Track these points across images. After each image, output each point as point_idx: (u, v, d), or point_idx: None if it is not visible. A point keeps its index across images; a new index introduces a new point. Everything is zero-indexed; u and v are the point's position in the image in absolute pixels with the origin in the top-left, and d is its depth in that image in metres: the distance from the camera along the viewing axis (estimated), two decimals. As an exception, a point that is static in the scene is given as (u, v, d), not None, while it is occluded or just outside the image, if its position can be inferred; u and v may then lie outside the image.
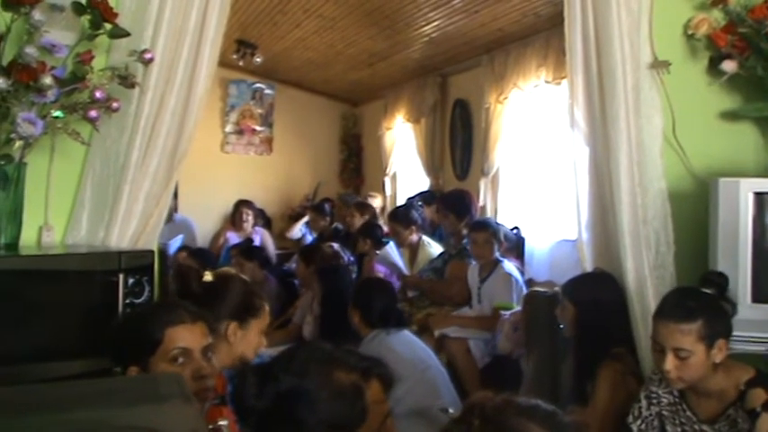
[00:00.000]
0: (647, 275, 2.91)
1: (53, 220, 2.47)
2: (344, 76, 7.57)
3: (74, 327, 2.04)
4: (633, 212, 2.91)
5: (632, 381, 2.80)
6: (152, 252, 2.30)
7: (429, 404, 3.32)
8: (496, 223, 4.74)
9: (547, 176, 5.23)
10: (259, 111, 8.43)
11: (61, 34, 2.20)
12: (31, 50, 2.00)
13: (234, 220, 7.49)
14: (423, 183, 6.85)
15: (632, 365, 2.85)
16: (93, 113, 2.15)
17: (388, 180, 7.64)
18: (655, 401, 2.53)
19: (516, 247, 5.14)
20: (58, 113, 2.14)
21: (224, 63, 7.65)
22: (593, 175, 3.10)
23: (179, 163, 2.52)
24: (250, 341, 2.27)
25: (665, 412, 2.52)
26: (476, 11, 5.16)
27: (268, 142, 8.50)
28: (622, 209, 2.89)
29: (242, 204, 7.47)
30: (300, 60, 7.33)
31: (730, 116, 3.14)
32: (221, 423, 1.39)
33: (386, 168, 7.61)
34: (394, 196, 7.55)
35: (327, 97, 8.60)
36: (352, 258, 5.72)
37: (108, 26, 2.23)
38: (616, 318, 2.88)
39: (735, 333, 2.66)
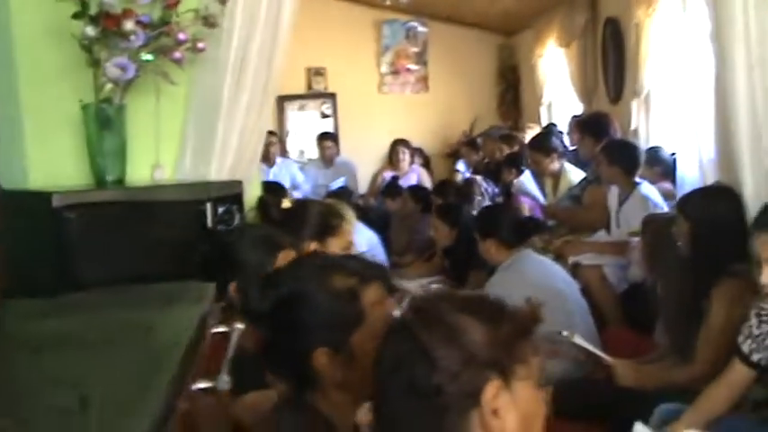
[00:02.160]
0: (773, 189, 2.68)
1: (164, 159, 2.70)
2: (493, 5, 7.42)
3: (169, 251, 2.23)
4: (752, 117, 2.67)
5: (752, 298, 2.62)
6: (239, 182, 2.46)
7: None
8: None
9: (701, 96, 4.87)
10: (413, 49, 8.49)
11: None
12: (109, -1, 2.18)
13: (391, 159, 7.66)
14: (577, 109, 6.62)
15: (752, 283, 2.67)
16: (177, 55, 2.31)
17: (543, 110, 7.46)
18: (765, 319, 2.38)
19: (669, 170, 4.87)
20: (148, 57, 2.31)
21: (375, 4, 7.77)
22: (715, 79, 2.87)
23: (270, 98, 2.63)
24: None
25: (775, 330, 2.35)
26: None
27: (424, 80, 8.56)
28: (737, 112, 2.65)
29: (398, 143, 7.60)
30: (447, -8, 7.27)
31: None
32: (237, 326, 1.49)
33: (540, 98, 7.43)
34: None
35: (481, 30, 8.48)
36: (496, 190, 5.71)
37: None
38: (733, 233, 2.69)
39: None
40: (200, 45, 2.39)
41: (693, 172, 4.69)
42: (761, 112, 2.68)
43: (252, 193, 2.80)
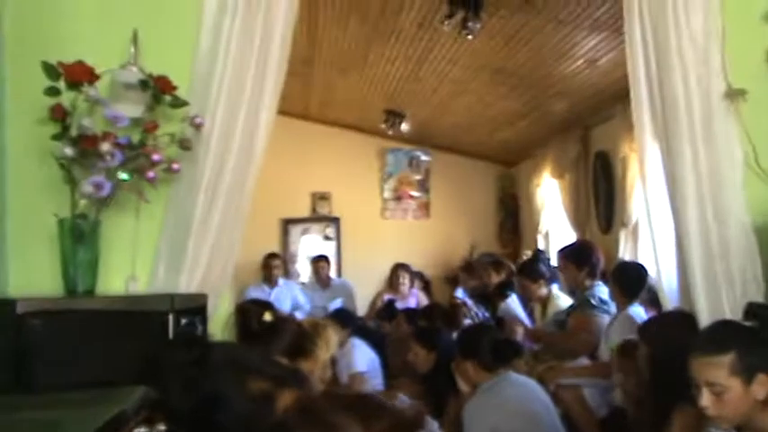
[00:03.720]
0: (727, 315, 2.74)
1: (139, 271, 2.81)
2: (491, 137, 7.71)
3: (131, 359, 2.30)
4: (706, 248, 2.77)
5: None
6: (204, 296, 2.56)
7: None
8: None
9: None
10: (416, 177, 8.75)
11: (131, 107, 2.57)
12: (87, 122, 2.37)
13: (392, 282, 7.74)
14: (571, 237, 6.74)
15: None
16: (150, 174, 2.47)
17: (541, 237, 7.59)
18: (717, 444, 2.38)
19: (654, 300, 4.92)
20: (123, 176, 2.47)
21: (379, 133, 8.10)
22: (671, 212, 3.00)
23: (241, 218, 2.76)
24: None
25: (727, 455, 2.35)
26: (595, 59, 5.14)
27: (425, 207, 8.77)
28: (691, 244, 2.77)
29: (399, 268, 7.70)
30: (446, 125, 7.58)
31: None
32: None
33: (537, 225, 7.58)
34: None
35: (481, 159, 8.76)
36: (486, 315, 5.75)
37: (168, 98, 2.56)
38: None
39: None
40: (174, 166, 2.55)
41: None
42: (714, 244, 2.79)
43: (222, 309, 2.89)
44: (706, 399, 2.15)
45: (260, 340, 2.55)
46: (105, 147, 2.34)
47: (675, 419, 2.71)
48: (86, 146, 2.37)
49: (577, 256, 4.78)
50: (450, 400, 4.21)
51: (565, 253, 4.90)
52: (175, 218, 2.72)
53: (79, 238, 2.48)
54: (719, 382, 2.12)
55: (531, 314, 5.36)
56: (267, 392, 1.44)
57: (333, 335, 4.01)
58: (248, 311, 2.76)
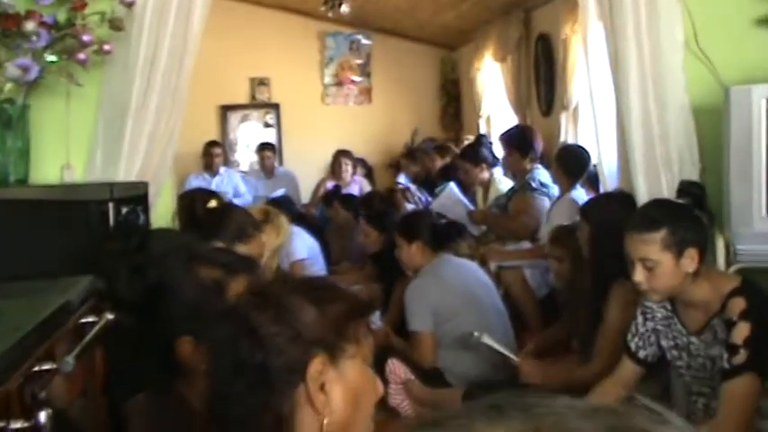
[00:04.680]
0: (665, 195, 2.81)
1: (74, 160, 2.72)
2: (433, 20, 7.55)
3: (70, 249, 2.25)
4: (646, 129, 2.81)
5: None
6: (145, 184, 2.50)
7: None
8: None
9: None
10: (357, 61, 8.58)
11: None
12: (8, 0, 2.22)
13: (333, 170, 7.72)
14: (513, 121, 6.76)
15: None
16: (81, 56, 2.35)
17: (482, 122, 7.59)
18: (650, 317, 2.49)
19: (594, 181, 5.01)
20: (51, 58, 2.35)
21: (319, 16, 7.85)
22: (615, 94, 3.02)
23: (181, 103, 2.67)
24: None
25: (659, 327, 2.47)
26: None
27: (367, 92, 8.65)
28: (632, 126, 2.80)
29: (340, 154, 7.65)
30: (388, 7, 7.38)
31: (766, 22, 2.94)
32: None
33: (479, 110, 7.57)
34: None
35: (423, 43, 8.60)
36: (429, 199, 5.80)
37: (96, -25, 2.42)
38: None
39: (747, 247, 2.58)
40: (106, 47, 2.44)
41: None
42: (654, 125, 2.82)
43: (164, 198, 2.84)
44: (639, 274, 2.23)
45: (205, 227, 2.52)
46: (30, 26, 2.21)
47: (613, 294, 2.82)
48: (9, 26, 2.23)
49: (520, 142, 4.81)
50: (397, 282, 4.31)
51: (507, 139, 4.93)
52: (111, 103, 2.62)
53: (7, 123, 2.37)
54: (652, 258, 2.19)
55: (473, 198, 5.42)
56: (217, 281, 1.43)
57: (285, 222, 4.02)
58: (194, 199, 2.72)
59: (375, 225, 4.62)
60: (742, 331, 2.12)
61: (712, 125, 2.84)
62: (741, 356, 2.11)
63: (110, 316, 1.54)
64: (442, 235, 3.80)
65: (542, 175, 4.72)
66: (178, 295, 1.42)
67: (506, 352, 3.17)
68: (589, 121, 5.54)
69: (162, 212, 2.80)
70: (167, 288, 1.42)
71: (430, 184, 6.17)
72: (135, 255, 1.54)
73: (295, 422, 1.11)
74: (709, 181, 2.85)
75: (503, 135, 5.08)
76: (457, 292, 3.57)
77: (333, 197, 6.21)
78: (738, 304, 2.17)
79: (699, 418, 2.37)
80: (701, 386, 2.41)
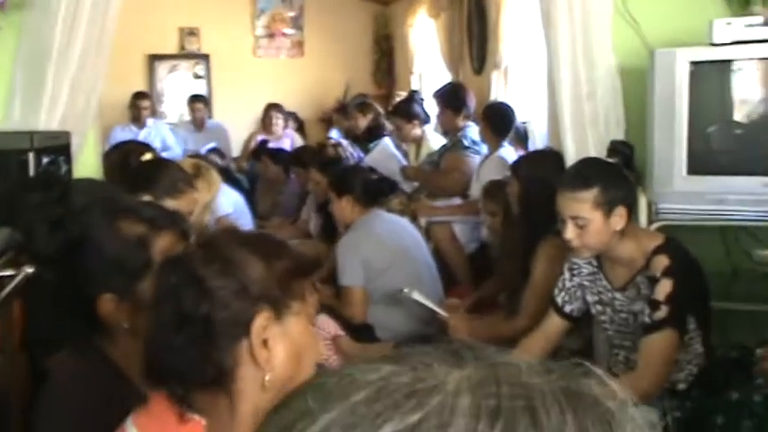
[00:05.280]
0: (592, 153, 2.86)
1: (-9, 107, 2.61)
2: (367, -28, 7.44)
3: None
4: (575, 88, 2.85)
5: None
6: (67, 133, 2.41)
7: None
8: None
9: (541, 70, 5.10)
10: (290, 14, 8.43)
11: None
12: None
13: (264, 123, 7.61)
14: (445, 79, 6.76)
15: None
16: (-3, -2, 2.24)
17: (415, 78, 7.58)
18: (576, 272, 2.56)
19: (522, 139, 5.08)
20: (-34, 0, 2.23)
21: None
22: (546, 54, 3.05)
23: (106, 49, 2.57)
24: None
25: (585, 282, 2.54)
26: None
27: (299, 45, 8.52)
28: (561, 84, 2.84)
29: (271, 108, 7.54)
30: (321, -42, 7.24)
31: (693, -14, 3.00)
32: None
33: (412, 66, 7.54)
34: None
35: (357, -3, 8.50)
36: (362, 155, 5.78)
37: None
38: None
39: (668, 205, 2.66)
40: (24, -10, 2.32)
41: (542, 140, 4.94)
42: (583, 85, 2.87)
43: (87, 148, 2.75)
44: (570, 231, 2.27)
45: (137, 180, 2.45)
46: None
47: (540, 250, 2.88)
48: None
49: (454, 99, 4.82)
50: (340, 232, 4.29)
51: (441, 96, 4.93)
52: (31, 48, 2.52)
53: None
54: (583, 216, 2.24)
55: (405, 155, 5.43)
56: (141, 236, 1.39)
57: (216, 177, 3.95)
58: (129, 150, 2.64)
59: (326, 173, 4.55)
60: (664, 288, 2.20)
61: (638, 86, 2.90)
62: (662, 312, 2.18)
63: (29, 269, 1.48)
64: (374, 190, 3.79)
65: (474, 132, 4.76)
66: (99, 251, 1.37)
67: (435, 307, 3.21)
68: (519, 81, 5.63)
69: (86, 163, 2.72)
70: (88, 243, 1.37)
71: (361, 139, 6.14)
72: (55, 207, 1.48)
73: (236, 377, 1.10)
74: (632, 140, 2.91)
75: (436, 92, 5.08)
76: (388, 248, 3.58)
77: (261, 151, 6.13)
78: (662, 261, 2.24)
79: (619, 370, 2.46)
80: (623, 340, 2.49)
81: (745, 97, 2.82)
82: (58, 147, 2.33)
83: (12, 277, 1.48)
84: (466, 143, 4.71)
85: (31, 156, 2.22)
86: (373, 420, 0.44)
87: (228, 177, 5.52)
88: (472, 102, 4.91)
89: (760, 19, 2.62)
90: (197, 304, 1.09)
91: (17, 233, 1.72)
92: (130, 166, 2.67)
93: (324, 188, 4.53)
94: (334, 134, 7.36)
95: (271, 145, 6.75)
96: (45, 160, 2.25)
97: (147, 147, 2.83)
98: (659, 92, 2.64)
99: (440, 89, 5.14)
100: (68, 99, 2.54)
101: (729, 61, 2.68)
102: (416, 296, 3.23)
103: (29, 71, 2.52)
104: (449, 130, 4.99)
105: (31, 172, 2.21)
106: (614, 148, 2.50)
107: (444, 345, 0.51)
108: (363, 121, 6.13)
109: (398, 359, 0.49)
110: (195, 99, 7.61)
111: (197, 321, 1.09)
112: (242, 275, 1.12)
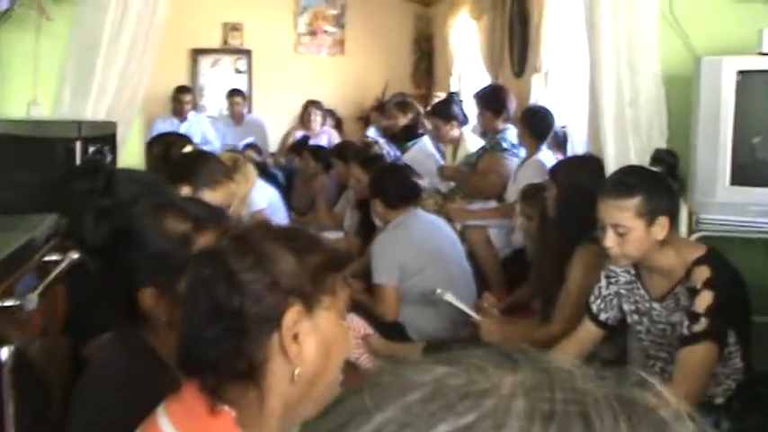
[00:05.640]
0: (633, 160, 2.84)
1: (42, 96, 2.66)
2: (411, -27, 7.44)
3: (36, 186, 2.21)
4: (618, 94, 2.83)
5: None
6: (114, 123, 2.46)
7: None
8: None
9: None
10: (332, 11, 8.46)
11: None
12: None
13: (303, 120, 7.66)
14: (485, 81, 6.74)
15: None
16: (50, -11, 2.28)
17: (454, 80, 7.56)
18: (613, 280, 2.53)
19: (561, 144, 5.05)
20: (22, -10, 2.28)
21: (294, -37, 7.71)
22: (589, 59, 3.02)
23: (154, 42, 2.61)
24: None
25: (622, 291, 2.51)
26: None
27: (340, 43, 8.54)
28: (603, 89, 2.82)
29: (310, 104, 7.60)
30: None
31: (742, -6, 2.96)
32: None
33: (451, 68, 7.53)
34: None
35: (400, -3, 8.50)
36: (398, 154, 5.79)
37: None
38: (595, 200, 2.84)
39: (710, 216, 2.62)
40: (77, -18, 2.37)
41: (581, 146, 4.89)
42: (625, 92, 2.84)
43: (132, 139, 2.79)
44: (611, 239, 2.25)
45: (178, 171, 2.48)
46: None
47: (577, 256, 2.86)
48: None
49: (494, 101, 4.81)
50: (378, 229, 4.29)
51: (481, 98, 4.92)
52: (82, 39, 2.56)
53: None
54: (625, 224, 2.22)
55: (442, 156, 5.42)
56: (185, 233, 1.40)
57: (252, 171, 3.99)
58: (170, 143, 2.69)
59: (367, 169, 4.56)
60: (705, 300, 2.17)
61: (682, 94, 2.86)
62: (702, 324, 2.15)
63: (74, 255, 1.51)
64: (405, 194, 3.76)
65: (513, 135, 4.74)
66: (144, 245, 1.39)
67: (468, 310, 3.21)
68: (560, 85, 5.58)
69: (129, 153, 2.76)
70: (133, 235, 1.39)
71: (398, 138, 6.14)
72: (101, 196, 1.50)
73: (266, 370, 1.11)
74: (675, 149, 2.88)
75: (477, 93, 5.08)
76: (424, 248, 3.59)
77: (302, 147, 6.16)
78: (703, 273, 2.21)
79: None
80: (659, 351, 2.46)
81: (791, 108, 2.78)
82: (105, 136, 2.37)
83: (57, 263, 1.51)
84: (504, 145, 4.69)
85: (77, 144, 2.25)
86: (428, 420, 0.45)
87: (264, 172, 5.57)
88: (512, 104, 4.90)
89: (811, 29, 2.57)
90: (229, 297, 1.10)
91: (63, 219, 1.76)
92: (171, 157, 2.71)
93: (364, 185, 4.54)
94: (372, 132, 7.38)
95: (310, 142, 6.79)
96: (91, 149, 2.29)
97: (187, 139, 2.86)
98: (704, 100, 2.61)
99: (480, 90, 5.13)
100: (116, 90, 2.58)
101: (778, 71, 2.63)
102: (449, 298, 3.23)
103: (79, 62, 2.57)
104: (488, 131, 4.97)
105: (78, 160, 2.25)
106: (658, 156, 2.48)
107: (498, 348, 0.51)
108: (403, 120, 6.13)
109: (452, 361, 0.50)
110: (234, 93, 7.68)
111: (229, 314, 1.10)
112: (274, 269, 1.12)
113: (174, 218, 1.43)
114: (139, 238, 1.40)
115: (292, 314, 1.11)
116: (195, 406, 1.10)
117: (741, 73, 2.57)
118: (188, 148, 2.67)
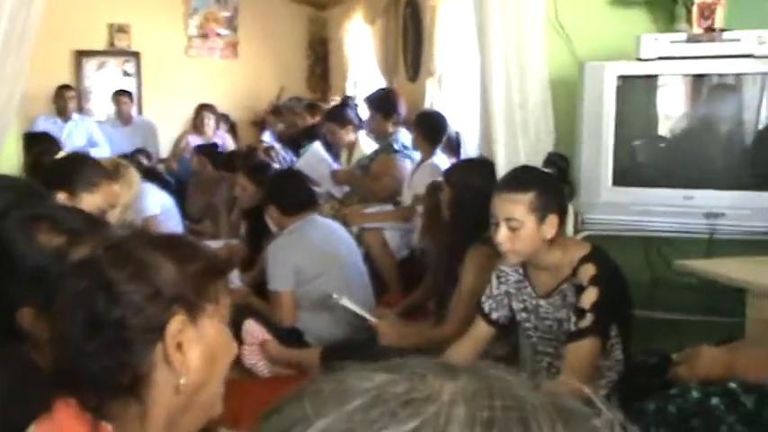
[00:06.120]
0: (522, 162, 2.90)
1: None
2: (304, -24, 7.42)
3: None
4: (507, 97, 2.89)
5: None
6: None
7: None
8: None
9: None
10: (224, 14, 8.34)
11: None
12: None
13: (195, 123, 7.49)
14: (380, 85, 6.78)
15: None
16: None
17: (350, 84, 7.58)
18: (503, 280, 2.58)
19: (454, 147, 5.13)
20: None
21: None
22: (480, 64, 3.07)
23: (28, 45, 2.49)
24: None
25: (511, 290, 2.57)
26: None
27: (233, 47, 8.43)
28: (493, 92, 2.87)
29: (203, 108, 7.43)
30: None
31: (622, 2, 3.08)
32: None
33: (347, 72, 7.55)
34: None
35: (293, 0, 8.45)
36: (294, 159, 5.75)
37: None
38: (487, 201, 2.89)
39: (594, 216, 2.72)
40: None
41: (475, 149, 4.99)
42: (515, 95, 2.91)
43: (8, 144, 2.65)
44: (503, 234, 2.29)
45: (53, 178, 2.38)
46: None
47: (469, 257, 2.90)
48: None
49: (384, 104, 4.85)
50: (266, 240, 4.23)
51: (372, 101, 4.95)
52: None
53: None
54: (517, 218, 2.27)
55: (337, 160, 5.42)
56: (60, 247, 1.33)
57: (135, 176, 3.85)
58: (41, 151, 2.56)
59: (253, 179, 4.48)
60: (590, 296, 2.24)
61: (568, 97, 2.96)
62: (587, 320, 2.23)
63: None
64: (301, 201, 3.72)
65: (405, 137, 4.80)
66: (16, 265, 1.32)
67: (365, 314, 3.21)
68: (454, 89, 5.68)
69: (5, 159, 2.62)
70: (5, 255, 1.32)
71: (294, 142, 6.11)
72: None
73: (150, 382, 1.07)
74: (563, 151, 2.97)
75: (367, 97, 5.11)
76: (319, 254, 3.57)
77: (202, 151, 6.01)
78: (589, 270, 2.28)
79: (543, 376, 2.50)
80: (547, 347, 2.53)
81: (669, 112, 2.92)
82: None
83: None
84: (396, 147, 4.75)
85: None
86: (370, 426, 0.45)
87: (156, 177, 5.42)
88: (403, 108, 4.95)
89: (684, 36, 2.70)
90: (109, 309, 1.06)
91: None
92: (44, 164, 2.59)
93: (250, 194, 4.47)
94: (268, 137, 7.30)
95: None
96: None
97: (58, 145, 2.74)
98: (588, 104, 2.71)
99: (371, 94, 5.17)
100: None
101: (655, 76, 2.76)
102: (346, 302, 3.23)
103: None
104: (379, 135, 5.00)
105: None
106: (550, 159, 2.56)
107: (426, 359, 0.52)
108: (311, 122, 6.10)
109: (393, 368, 0.50)
110: (120, 93, 7.47)
111: (110, 327, 1.06)
112: (155, 278, 1.09)
113: (47, 231, 1.36)
114: (11, 258, 1.32)
115: (176, 323, 1.09)
116: (71, 425, 1.05)
117: (621, 78, 2.68)
118: (60, 154, 2.56)
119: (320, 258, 3.55)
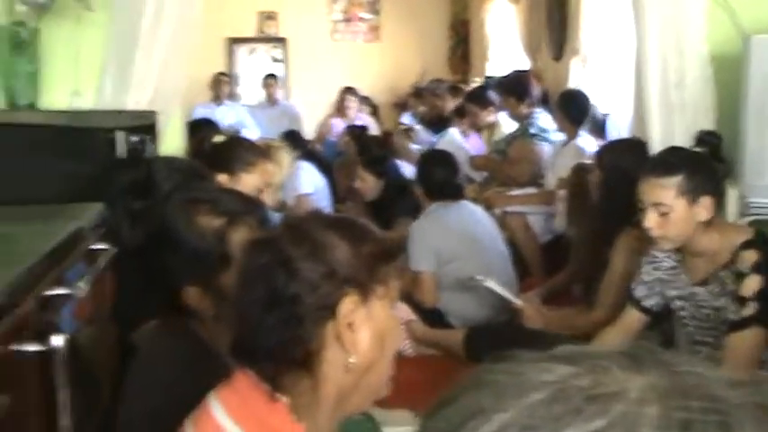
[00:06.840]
0: (678, 143, 2.78)
1: (84, 86, 2.69)
2: (446, -43, 7.37)
3: (77, 175, 2.24)
4: (663, 76, 2.77)
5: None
6: (154, 113, 2.47)
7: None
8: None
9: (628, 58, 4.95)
10: (366, -3, 8.45)
11: None
12: None
13: (338, 107, 7.67)
14: (523, 65, 6.66)
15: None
16: (91, -21, 2.30)
17: (491, 64, 7.49)
18: (656, 266, 2.48)
19: (600, 128, 4.97)
20: (63, -19, 2.30)
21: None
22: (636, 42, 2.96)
23: (192, 32, 2.62)
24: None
25: (664, 276, 2.46)
26: None
27: (375, 30, 8.53)
28: (648, 71, 2.76)
29: (346, 91, 7.62)
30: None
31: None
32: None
33: (487, 53, 7.46)
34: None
35: (434, -18, 8.45)
36: (434, 140, 5.75)
37: None
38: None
39: (760, 199, 2.56)
40: (117, -28, 2.38)
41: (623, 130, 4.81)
42: (671, 73, 2.78)
43: (172, 128, 2.81)
44: (652, 219, 2.20)
45: (212, 161, 2.49)
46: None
47: (619, 241, 2.81)
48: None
49: (515, 87, 4.76)
50: (398, 220, 4.28)
51: (503, 86, 4.87)
52: (121, 30, 2.57)
53: (18, 47, 2.33)
54: (666, 203, 2.16)
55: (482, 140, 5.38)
56: (218, 229, 1.40)
57: (286, 156, 3.97)
58: (203, 138, 2.70)
59: (372, 170, 4.52)
60: (753, 283, 2.12)
61: (731, 74, 2.79)
62: (750, 309, 2.11)
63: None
64: (442, 187, 3.70)
65: (544, 120, 4.68)
66: (179, 246, 1.39)
67: (509, 296, 3.18)
68: (599, 68, 5.49)
69: (170, 143, 2.78)
70: (168, 238, 1.40)
71: (438, 124, 6.12)
72: (139, 193, 1.50)
73: (321, 358, 1.11)
74: (724, 131, 2.82)
75: (499, 81, 5.03)
76: (459, 235, 3.56)
77: (356, 134, 6.10)
78: (751, 256, 2.15)
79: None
80: (705, 336, 2.41)
81: None
82: (146, 126, 2.38)
83: (105, 251, 1.52)
84: (533, 131, 4.64)
85: (118, 135, 2.27)
86: (554, 423, 0.43)
87: (313, 158, 5.52)
88: (536, 89, 4.83)
89: None
90: (287, 285, 1.09)
91: (108, 210, 1.77)
92: (205, 150, 2.72)
93: (371, 186, 4.47)
94: (407, 119, 7.35)
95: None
96: (132, 139, 2.31)
97: (216, 128, 2.86)
98: (754, 80, 2.55)
99: (502, 77, 5.08)
100: (156, 80, 2.60)
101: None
102: (490, 284, 3.20)
103: (119, 52, 2.59)
104: (514, 118, 4.92)
105: (119, 150, 2.27)
106: (701, 137, 2.42)
107: (621, 347, 0.49)
108: (452, 103, 6.09)
109: (573, 360, 0.47)
110: (269, 77, 7.78)
111: (287, 302, 1.09)
112: (330, 258, 1.12)
113: (207, 214, 1.42)
114: (174, 240, 1.40)
115: (348, 303, 1.11)
116: (250, 394, 1.10)
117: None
118: (218, 138, 2.68)
119: (459, 239, 3.54)
